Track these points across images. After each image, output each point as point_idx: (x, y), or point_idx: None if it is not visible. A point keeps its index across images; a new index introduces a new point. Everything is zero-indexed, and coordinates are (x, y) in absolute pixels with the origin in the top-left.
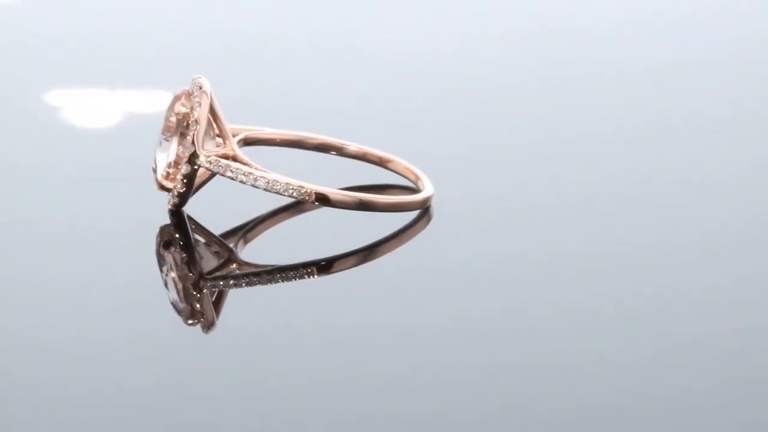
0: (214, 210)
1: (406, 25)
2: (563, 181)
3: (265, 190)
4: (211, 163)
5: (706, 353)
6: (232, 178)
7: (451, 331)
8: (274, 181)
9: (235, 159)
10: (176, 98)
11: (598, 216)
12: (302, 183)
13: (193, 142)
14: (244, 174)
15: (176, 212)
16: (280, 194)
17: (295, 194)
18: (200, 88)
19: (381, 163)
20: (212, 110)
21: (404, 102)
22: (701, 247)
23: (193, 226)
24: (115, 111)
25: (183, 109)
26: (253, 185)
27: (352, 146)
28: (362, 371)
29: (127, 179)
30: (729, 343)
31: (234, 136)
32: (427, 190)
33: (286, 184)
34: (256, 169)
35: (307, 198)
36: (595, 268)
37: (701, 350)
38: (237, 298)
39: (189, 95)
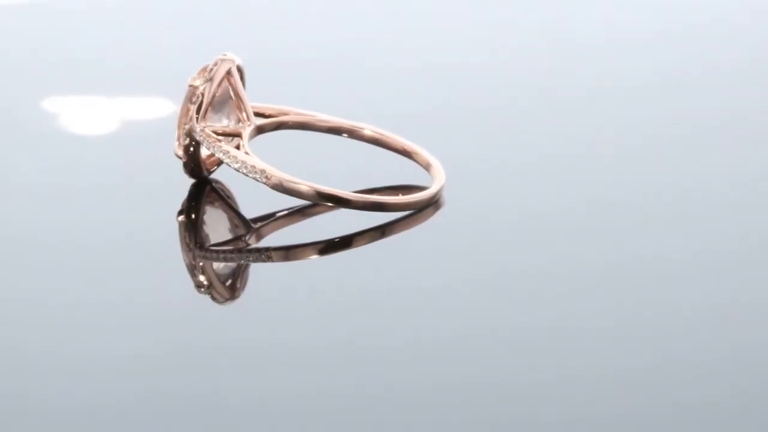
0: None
1: (440, 31)
2: (582, 189)
3: (236, 170)
4: (201, 136)
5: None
6: (214, 154)
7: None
8: (242, 162)
9: (240, 138)
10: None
11: (614, 226)
12: (266, 167)
13: (191, 115)
14: (222, 152)
15: (201, 183)
16: (247, 176)
17: (257, 177)
18: (215, 64)
19: (394, 149)
20: (234, 88)
21: (432, 104)
22: (717, 259)
23: (214, 201)
24: (114, 118)
25: (197, 82)
26: (228, 164)
27: (366, 129)
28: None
29: (127, 184)
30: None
31: (269, 117)
32: (437, 181)
33: (252, 166)
34: (238, 150)
35: (265, 182)
36: (602, 278)
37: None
38: (261, 272)
39: (206, 69)
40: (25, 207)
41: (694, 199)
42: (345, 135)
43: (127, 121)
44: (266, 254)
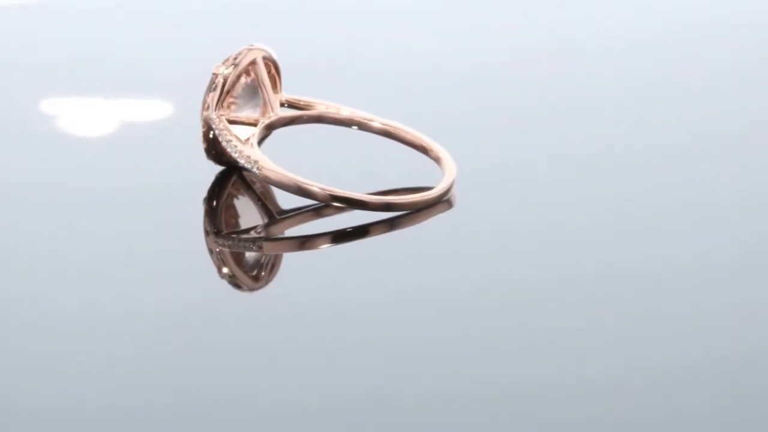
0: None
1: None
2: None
3: (237, 159)
4: (215, 123)
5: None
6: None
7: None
8: (240, 151)
9: (255, 126)
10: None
11: (623, 227)
12: (259, 158)
13: (208, 103)
14: (226, 140)
15: (230, 171)
16: (243, 165)
17: (251, 167)
18: (240, 52)
19: (406, 142)
20: (258, 78)
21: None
22: (728, 260)
23: (240, 189)
24: (112, 119)
25: (219, 70)
26: (229, 152)
27: (376, 122)
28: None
29: (126, 188)
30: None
31: (303, 109)
32: (447, 176)
33: (248, 156)
34: (240, 140)
35: (257, 172)
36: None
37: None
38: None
39: (231, 58)
40: (26, 209)
41: (708, 200)
42: (354, 127)
43: (130, 122)
44: (258, 244)
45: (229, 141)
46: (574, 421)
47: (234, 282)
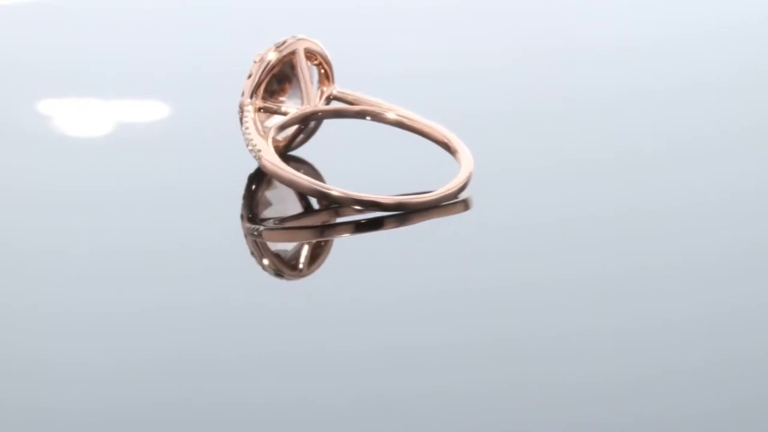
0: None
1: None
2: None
3: (246, 145)
4: (245, 109)
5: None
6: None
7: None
8: (249, 139)
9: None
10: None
11: (636, 231)
12: (262, 148)
13: (243, 90)
14: (244, 127)
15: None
16: (250, 154)
17: (254, 155)
18: (279, 45)
19: (417, 131)
20: (296, 68)
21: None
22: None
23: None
24: (109, 120)
25: (259, 58)
26: (243, 135)
27: (390, 113)
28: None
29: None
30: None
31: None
32: (462, 171)
33: (254, 145)
34: (257, 129)
35: (258, 162)
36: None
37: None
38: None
39: (274, 46)
40: (26, 209)
41: (726, 202)
42: (368, 118)
43: (134, 122)
44: (258, 231)
45: (247, 128)
46: (583, 422)
47: (276, 271)
